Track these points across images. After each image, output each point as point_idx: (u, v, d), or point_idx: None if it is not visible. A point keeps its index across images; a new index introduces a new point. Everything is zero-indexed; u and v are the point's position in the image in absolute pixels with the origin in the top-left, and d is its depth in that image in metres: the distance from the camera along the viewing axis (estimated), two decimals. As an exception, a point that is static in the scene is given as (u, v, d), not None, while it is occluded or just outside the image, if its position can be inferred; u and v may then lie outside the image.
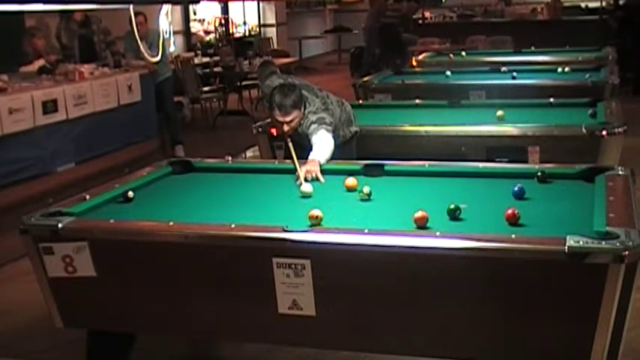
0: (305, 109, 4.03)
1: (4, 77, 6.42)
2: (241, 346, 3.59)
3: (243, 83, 10.81)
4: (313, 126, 3.96)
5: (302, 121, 4.02)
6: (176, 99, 9.08)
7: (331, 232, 2.72)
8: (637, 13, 10.99)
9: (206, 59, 11.71)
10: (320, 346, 3.00)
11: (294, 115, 3.94)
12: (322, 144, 3.86)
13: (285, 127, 3.96)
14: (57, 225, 2.92)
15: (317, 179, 3.56)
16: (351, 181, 3.46)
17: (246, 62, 10.58)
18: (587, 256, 2.36)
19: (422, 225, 2.78)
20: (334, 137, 3.99)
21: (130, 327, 3.13)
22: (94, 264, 2.92)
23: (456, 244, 2.52)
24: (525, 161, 4.30)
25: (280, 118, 3.95)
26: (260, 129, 4.81)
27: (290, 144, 3.91)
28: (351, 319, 2.71)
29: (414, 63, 8.81)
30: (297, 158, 3.76)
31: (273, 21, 16.04)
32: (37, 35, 7.49)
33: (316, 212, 2.84)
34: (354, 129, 4.48)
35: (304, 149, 3.88)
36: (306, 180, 3.51)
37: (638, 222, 2.63)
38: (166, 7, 7.45)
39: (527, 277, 2.48)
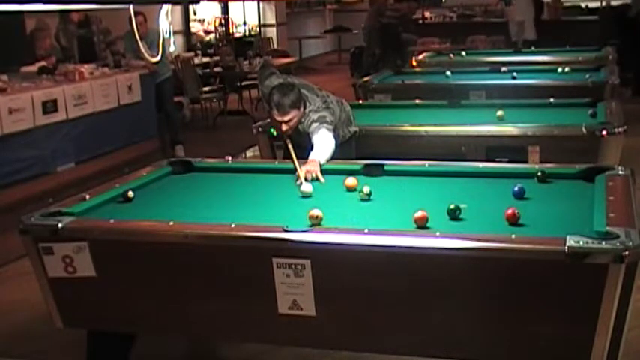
0: (305, 108, 4.03)
1: (4, 77, 6.42)
2: (241, 346, 3.59)
3: (243, 83, 10.81)
4: (314, 125, 3.95)
5: (303, 120, 4.01)
6: (176, 99, 9.08)
7: (331, 232, 2.72)
8: (627, 14, 11.04)
9: (206, 59, 11.71)
10: (320, 346, 3.01)
11: (292, 114, 3.94)
12: (323, 144, 3.86)
13: (284, 127, 3.95)
14: (57, 225, 2.92)
15: (317, 179, 3.56)
16: (351, 181, 3.46)
17: (246, 62, 10.58)
18: (587, 256, 2.36)
19: (422, 225, 2.78)
20: (335, 137, 3.99)
21: (129, 327, 3.13)
22: (94, 264, 2.92)
23: (456, 244, 2.52)
24: (525, 161, 4.30)
25: (279, 118, 3.94)
26: (260, 129, 4.82)
27: (289, 144, 3.91)
28: (352, 319, 2.71)
29: (414, 63, 8.81)
30: (297, 158, 3.76)
31: (273, 21, 16.04)
32: (45, 35, 7.51)
33: (316, 212, 2.84)
34: (353, 129, 4.48)
35: (304, 149, 3.88)
36: (306, 180, 3.51)
37: (638, 222, 2.63)
38: (166, 7, 7.45)
39: (527, 277, 2.47)
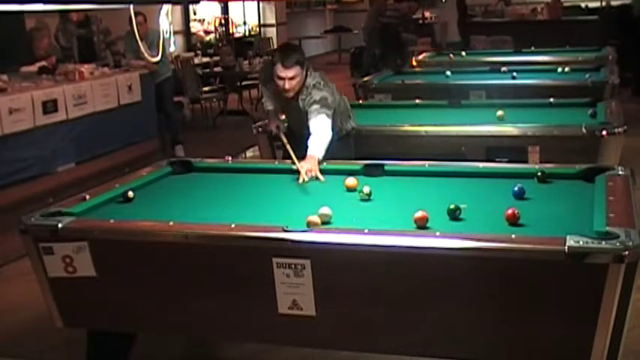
0: (307, 75, 4.03)
1: (4, 77, 6.42)
2: (241, 346, 3.59)
3: (243, 83, 10.81)
4: (315, 106, 3.94)
5: (304, 95, 4.00)
6: (176, 99, 9.08)
7: (331, 232, 2.72)
8: (628, 15, 11.06)
9: (206, 59, 11.71)
10: (320, 346, 3.00)
11: (296, 71, 3.93)
12: (320, 134, 3.84)
13: (287, 85, 3.95)
14: (57, 225, 2.92)
15: (316, 178, 3.56)
16: (351, 181, 3.46)
17: (246, 62, 10.58)
18: (587, 256, 2.36)
19: (422, 225, 2.78)
20: (332, 125, 3.97)
21: (130, 327, 3.13)
22: (94, 264, 2.92)
23: (456, 244, 2.52)
24: (525, 161, 4.30)
25: (282, 73, 3.93)
26: (260, 129, 4.82)
27: (286, 141, 3.92)
28: (351, 319, 2.71)
29: (414, 63, 8.81)
30: (297, 157, 3.77)
31: (273, 21, 16.05)
32: (43, 34, 7.51)
33: (314, 219, 2.82)
34: (352, 124, 4.48)
35: (304, 149, 3.88)
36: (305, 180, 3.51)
37: (638, 222, 2.63)
38: (166, 7, 7.46)
39: (527, 277, 2.47)
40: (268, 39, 14.75)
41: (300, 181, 3.50)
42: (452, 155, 4.18)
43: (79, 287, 2.97)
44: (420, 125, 4.84)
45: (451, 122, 4.89)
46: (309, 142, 3.82)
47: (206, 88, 10.26)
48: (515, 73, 6.89)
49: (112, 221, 2.96)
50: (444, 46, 11.10)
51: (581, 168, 3.46)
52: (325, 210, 2.92)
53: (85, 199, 3.28)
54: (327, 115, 3.93)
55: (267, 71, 4.50)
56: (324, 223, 2.86)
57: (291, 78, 3.94)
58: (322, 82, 4.10)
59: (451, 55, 9.19)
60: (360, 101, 6.32)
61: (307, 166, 3.61)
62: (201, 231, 2.81)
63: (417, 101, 5.89)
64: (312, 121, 3.89)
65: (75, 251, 2.91)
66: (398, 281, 2.61)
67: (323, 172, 3.63)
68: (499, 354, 2.62)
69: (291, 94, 4.01)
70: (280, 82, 3.99)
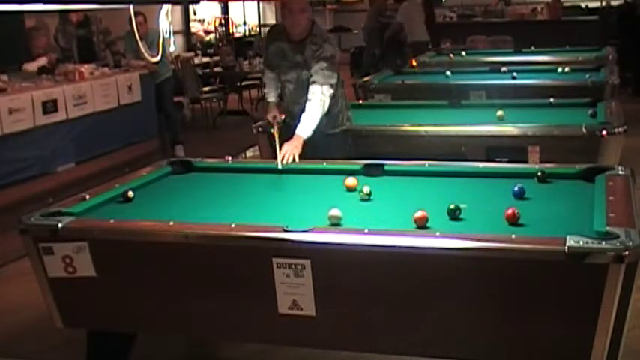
0: (314, 22, 4.13)
1: (4, 77, 6.43)
2: (241, 346, 3.59)
3: (243, 83, 10.82)
4: (324, 64, 4.03)
5: (315, 45, 4.09)
6: (176, 99, 9.08)
7: (331, 232, 2.72)
8: (630, 15, 11.07)
9: (206, 59, 11.73)
10: (320, 346, 3.00)
11: (304, 4, 4.03)
12: (315, 109, 3.95)
13: (296, 20, 4.02)
14: (57, 225, 2.92)
15: (293, 161, 3.71)
16: (351, 181, 3.46)
17: (246, 62, 10.59)
18: (587, 256, 2.36)
19: (422, 225, 2.78)
20: (330, 96, 4.05)
21: (130, 327, 3.13)
22: (94, 264, 2.92)
23: (456, 244, 2.52)
24: (525, 161, 4.30)
25: (293, 5, 4.01)
26: (260, 129, 4.81)
27: (277, 134, 4.06)
28: (351, 319, 2.71)
29: (414, 63, 8.81)
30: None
31: (273, 21, 16.04)
32: (41, 34, 7.52)
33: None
34: (349, 114, 4.53)
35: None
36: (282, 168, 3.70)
37: (638, 222, 2.63)
38: (166, 7, 7.47)
39: (527, 277, 2.47)
40: (268, 39, 14.76)
41: (279, 159, 3.68)
42: (452, 155, 4.18)
43: (79, 287, 2.98)
44: (420, 125, 4.83)
45: (451, 122, 4.88)
46: (302, 117, 3.94)
47: (206, 88, 10.27)
48: (515, 73, 6.89)
49: (112, 221, 2.96)
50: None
51: (581, 168, 3.46)
52: (335, 212, 2.88)
53: (85, 199, 3.28)
54: (331, 85, 4.02)
55: (270, 34, 4.53)
56: (334, 225, 2.84)
57: (301, 11, 4.02)
58: (328, 41, 4.21)
59: (451, 55, 9.19)
60: (360, 101, 6.32)
61: (288, 148, 3.76)
62: (201, 231, 2.81)
63: (417, 101, 5.89)
64: (313, 87, 3.98)
65: (75, 251, 2.91)
66: (398, 281, 2.61)
67: (323, 172, 3.64)
68: (499, 354, 2.62)
69: (297, 31, 4.07)
70: (290, 20, 4.05)
